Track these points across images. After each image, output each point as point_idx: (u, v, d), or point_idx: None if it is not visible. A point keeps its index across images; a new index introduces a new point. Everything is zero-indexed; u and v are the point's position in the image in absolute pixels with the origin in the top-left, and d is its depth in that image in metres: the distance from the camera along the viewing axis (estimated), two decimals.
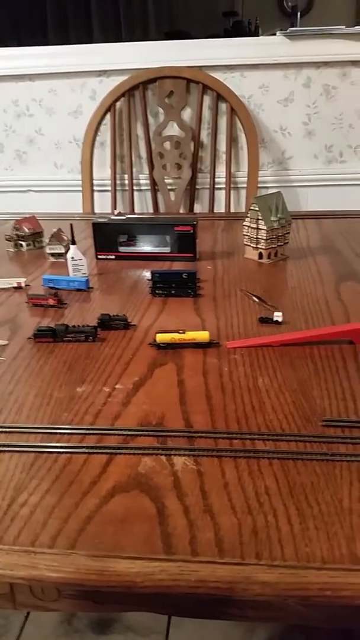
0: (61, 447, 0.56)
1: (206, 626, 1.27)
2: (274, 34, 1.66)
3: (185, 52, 1.69)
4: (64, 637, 1.26)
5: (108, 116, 1.73)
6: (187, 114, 1.75)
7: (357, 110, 1.70)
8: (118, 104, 1.73)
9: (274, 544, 0.43)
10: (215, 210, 1.76)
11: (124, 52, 1.72)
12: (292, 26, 1.79)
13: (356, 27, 1.59)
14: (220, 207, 1.76)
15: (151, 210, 1.83)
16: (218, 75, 1.67)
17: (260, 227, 1.07)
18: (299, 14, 3.69)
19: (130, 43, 1.73)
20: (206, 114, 1.73)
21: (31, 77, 1.76)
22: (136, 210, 1.83)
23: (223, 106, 1.70)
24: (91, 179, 1.75)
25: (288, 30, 1.61)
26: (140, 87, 1.70)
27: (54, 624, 1.29)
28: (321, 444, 0.55)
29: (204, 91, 1.68)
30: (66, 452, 0.55)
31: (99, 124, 1.73)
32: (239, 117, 1.68)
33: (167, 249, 1.13)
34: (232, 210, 1.76)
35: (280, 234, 1.10)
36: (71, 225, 1.03)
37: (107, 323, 0.83)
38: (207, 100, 1.71)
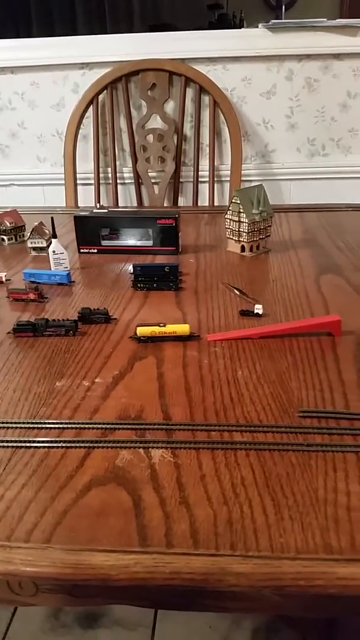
0: (39, 441, 0.56)
1: (193, 619, 1.27)
2: (257, 27, 1.65)
3: (167, 45, 1.68)
4: (51, 633, 1.26)
5: (91, 109, 1.71)
6: (170, 107, 1.74)
7: (340, 103, 1.70)
8: (101, 96, 1.72)
9: (248, 534, 0.43)
10: (199, 204, 1.76)
11: (107, 44, 1.71)
12: (277, 19, 1.79)
13: (338, 20, 1.59)
14: (204, 201, 1.76)
15: (135, 204, 1.82)
16: (201, 68, 1.66)
17: (242, 220, 1.07)
18: (283, 7, 3.69)
19: (113, 35, 1.72)
20: (189, 106, 1.72)
21: (13, 69, 1.74)
22: (120, 204, 1.82)
23: (206, 99, 1.69)
24: (74, 172, 1.74)
25: (270, 23, 1.61)
26: (122, 79, 1.69)
27: (41, 619, 1.29)
28: (297, 434, 0.55)
29: (187, 84, 1.68)
30: (44, 447, 0.55)
31: (82, 117, 1.72)
32: (221, 110, 1.68)
33: (149, 242, 1.13)
34: (216, 203, 1.76)
35: (262, 227, 1.10)
36: (52, 218, 1.02)
37: (88, 317, 0.82)
38: (189, 93, 1.70)
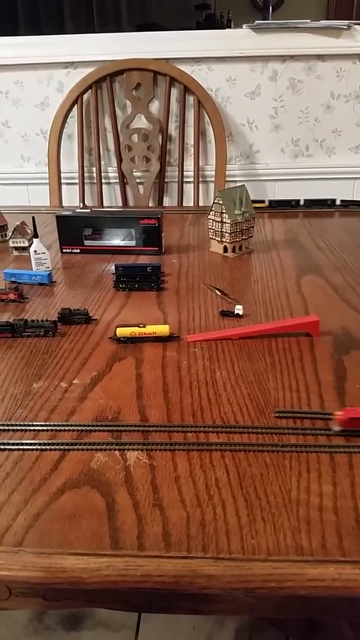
0: (13, 444, 0.55)
1: (176, 620, 1.27)
2: (242, 27, 1.65)
3: (152, 44, 1.67)
4: (34, 635, 1.25)
5: (75, 108, 1.70)
6: (154, 107, 1.73)
7: (323, 104, 1.71)
8: (85, 96, 1.71)
9: (220, 536, 0.43)
10: (184, 204, 1.75)
11: (91, 43, 1.70)
12: (264, 20, 1.80)
13: (322, 22, 1.60)
14: (189, 201, 1.76)
15: (120, 204, 1.81)
16: (185, 68, 1.66)
17: (224, 220, 1.07)
18: (270, 7, 3.70)
19: (98, 35, 1.71)
20: (174, 106, 1.72)
21: None
22: (105, 204, 1.81)
23: (190, 99, 1.69)
24: (59, 171, 1.73)
25: (254, 23, 1.61)
26: (107, 79, 1.68)
27: (24, 622, 1.28)
28: (273, 435, 0.55)
29: (171, 84, 1.67)
30: (18, 449, 0.55)
31: (66, 116, 1.71)
32: (206, 110, 1.68)
33: (132, 243, 1.12)
34: (201, 203, 1.76)
35: (244, 228, 1.10)
36: (33, 218, 1.02)
37: (68, 317, 0.82)
38: (174, 93, 1.70)
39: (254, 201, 1.35)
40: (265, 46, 1.63)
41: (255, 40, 1.63)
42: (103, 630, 1.26)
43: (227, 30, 1.91)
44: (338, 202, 1.43)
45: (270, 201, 1.43)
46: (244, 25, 1.63)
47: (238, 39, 1.64)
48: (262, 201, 1.43)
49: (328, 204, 1.43)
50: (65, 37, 1.72)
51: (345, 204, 1.43)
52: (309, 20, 1.59)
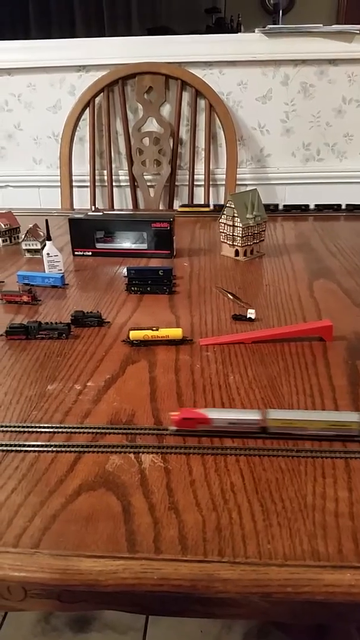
0: (29, 445, 0.56)
1: (184, 623, 1.27)
2: (254, 32, 1.66)
3: (164, 48, 1.68)
4: (42, 636, 1.26)
5: (87, 111, 1.71)
6: (166, 110, 1.74)
7: (335, 108, 1.71)
8: (97, 99, 1.72)
9: (237, 541, 0.44)
10: None
11: (104, 47, 1.71)
12: (274, 24, 1.80)
13: (334, 26, 1.60)
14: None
15: (131, 207, 1.82)
16: (197, 72, 1.67)
17: (236, 224, 1.08)
18: (280, 11, 3.70)
19: (110, 38, 1.72)
20: (185, 110, 1.72)
21: (10, 71, 1.74)
22: (116, 207, 1.82)
23: (202, 103, 1.70)
24: (70, 174, 1.74)
25: (266, 28, 1.61)
26: (119, 82, 1.69)
27: (32, 623, 1.28)
28: (287, 440, 0.55)
29: (183, 87, 1.68)
30: (34, 451, 0.55)
31: (78, 119, 1.72)
32: (217, 114, 1.68)
33: (144, 246, 1.13)
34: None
35: (256, 232, 1.10)
36: (46, 220, 1.02)
37: (81, 320, 0.82)
38: (186, 97, 1.71)
39: (200, 205, 1.43)
40: (277, 50, 1.63)
41: (267, 44, 1.63)
42: (110, 632, 1.26)
43: (239, 34, 1.92)
44: (343, 207, 1.44)
45: (214, 205, 1.46)
46: (256, 30, 1.64)
47: (250, 43, 1.64)
48: (207, 205, 1.46)
49: (302, 208, 1.44)
50: (77, 40, 1.73)
51: (350, 207, 1.43)
52: (321, 25, 1.59)
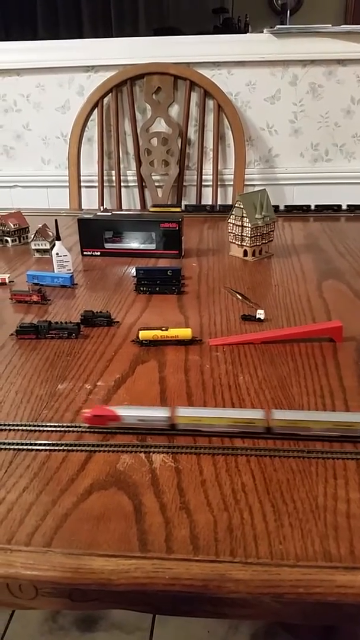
0: (40, 444, 0.56)
1: (190, 623, 1.27)
2: (262, 32, 1.66)
3: (173, 49, 1.68)
4: (48, 635, 1.26)
5: (95, 112, 1.72)
6: (174, 111, 1.74)
7: (343, 108, 1.70)
8: (106, 99, 1.72)
9: (248, 541, 0.44)
10: None
11: (112, 47, 1.71)
12: (282, 24, 1.80)
13: (343, 26, 1.59)
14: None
15: (139, 207, 1.82)
16: (205, 72, 1.67)
17: (244, 224, 1.07)
18: (288, 12, 3.69)
19: (119, 39, 1.72)
20: (193, 110, 1.73)
21: (19, 71, 1.74)
22: (124, 207, 1.82)
23: (210, 103, 1.70)
24: (78, 174, 1.74)
25: (275, 28, 1.61)
26: (127, 83, 1.69)
27: (39, 622, 1.29)
28: (298, 441, 0.55)
29: (192, 88, 1.68)
30: (45, 450, 0.55)
31: (87, 119, 1.72)
32: (226, 115, 1.68)
33: (152, 246, 1.13)
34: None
35: (264, 232, 1.10)
36: (56, 221, 1.03)
37: (90, 320, 0.83)
38: (194, 97, 1.71)
39: (170, 205, 1.46)
40: (286, 51, 1.63)
41: (276, 44, 1.63)
42: (117, 632, 1.27)
43: (248, 34, 1.92)
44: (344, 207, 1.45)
45: (186, 205, 1.48)
46: (265, 30, 1.63)
47: (258, 43, 1.64)
48: (178, 205, 1.48)
49: (304, 209, 1.44)
50: (86, 41, 1.73)
51: (352, 208, 1.43)
52: (330, 25, 1.59)
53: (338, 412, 0.59)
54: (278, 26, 1.62)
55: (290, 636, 1.23)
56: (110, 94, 1.71)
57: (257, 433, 0.56)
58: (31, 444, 0.56)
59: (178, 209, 1.43)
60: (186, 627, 1.27)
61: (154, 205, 1.47)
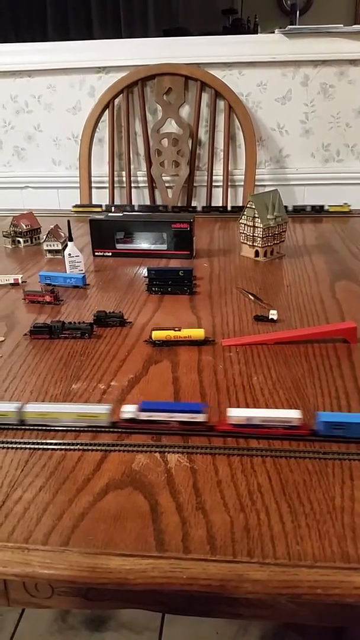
0: (56, 443, 0.56)
1: (199, 624, 1.27)
2: (273, 32, 1.65)
3: (184, 49, 1.68)
4: (58, 634, 1.26)
5: (106, 113, 1.72)
6: (185, 111, 1.74)
7: (355, 109, 1.70)
8: (116, 100, 1.73)
9: (265, 541, 0.43)
10: None
11: (123, 48, 1.72)
12: (291, 24, 1.79)
13: (354, 26, 1.59)
14: (217, 205, 1.76)
15: None
16: (216, 73, 1.67)
17: (256, 225, 1.07)
18: (297, 12, 3.69)
19: (130, 40, 1.73)
20: (204, 111, 1.73)
21: (30, 73, 1.75)
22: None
23: (221, 104, 1.70)
24: (89, 175, 1.75)
25: (286, 28, 1.61)
26: (138, 83, 1.69)
27: (48, 621, 1.29)
28: (314, 442, 0.55)
29: (202, 88, 1.68)
30: (61, 449, 0.55)
31: (98, 120, 1.73)
32: (236, 115, 1.68)
33: (163, 246, 1.13)
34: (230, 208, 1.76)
35: (276, 232, 1.10)
36: (68, 222, 1.03)
37: (103, 320, 0.83)
38: (205, 98, 1.71)
39: (92, 205, 1.50)
40: (297, 51, 1.63)
41: (287, 45, 1.63)
42: (126, 632, 1.27)
43: (259, 35, 1.92)
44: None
45: (106, 205, 1.50)
46: (276, 30, 1.63)
47: (269, 43, 1.64)
48: (100, 205, 1.51)
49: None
50: (97, 42, 1.74)
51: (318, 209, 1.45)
52: (341, 25, 1.58)
53: (85, 404, 0.61)
54: (289, 26, 1.62)
55: (299, 638, 1.23)
56: (121, 95, 1.71)
57: (102, 427, 0.58)
58: (47, 443, 0.56)
59: (99, 209, 1.47)
60: (195, 628, 1.27)
61: (76, 206, 1.52)
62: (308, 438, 0.55)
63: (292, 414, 0.55)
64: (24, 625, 1.29)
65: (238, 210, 1.44)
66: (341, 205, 1.42)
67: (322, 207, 1.43)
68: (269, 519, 0.46)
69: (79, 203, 1.60)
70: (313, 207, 1.43)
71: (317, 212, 1.43)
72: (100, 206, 1.49)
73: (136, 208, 1.47)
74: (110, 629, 1.27)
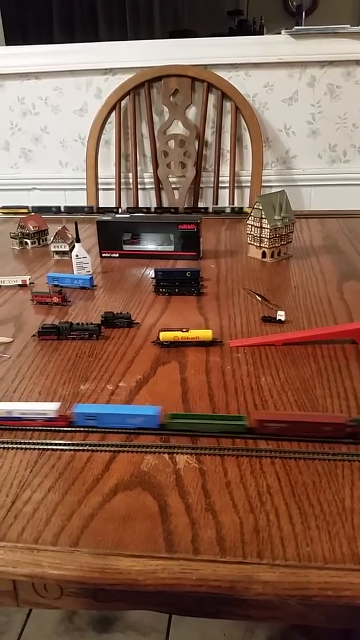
0: (64, 444, 0.56)
1: (206, 625, 1.27)
2: (279, 33, 1.65)
3: (190, 51, 1.68)
4: (65, 635, 1.26)
5: (113, 114, 1.73)
6: (191, 113, 1.74)
7: None
8: (123, 102, 1.73)
9: (275, 543, 0.43)
10: None
11: (130, 50, 1.72)
12: (297, 25, 1.79)
13: None
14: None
15: None
16: (223, 74, 1.67)
17: (263, 226, 1.07)
18: (303, 13, 3.68)
19: (136, 41, 1.73)
20: (211, 112, 1.73)
21: (37, 75, 1.76)
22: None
23: (228, 105, 1.70)
24: (96, 177, 1.75)
25: (293, 29, 1.61)
26: (145, 85, 1.70)
27: (55, 622, 1.29)
28: (323, 443, 0.55)
29: (209, 90, 1.68)
30: (69, 450, 0.55)
31: (104, 122, 1.73)
32: (243, 116, 1.68)
33: (170, 248, 1.13)
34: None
35: (283, 233, 1.10)
36: (76, 223, 1.03)
37: (111, 321, 0.83)
38: (211, 99, 1.71)
39: (18, 207, 1.51)
40: (304, 52, 1.62)
41: (294, 46, 1.62)
42: (133, 633, 1.27)
43: (266, 36, 1.92)
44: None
45: (32, 207, 1.51)
46: (283, 31, 1.63)
47: (276, 44, 1.64)
48: (26, 207, 1.52)
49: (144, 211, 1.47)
50: (104, 44, 1.74)
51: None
52: (348, 25, 1.58)
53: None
54: (296, 27, 1.62)
55: (306, 639, 1.22)
56: (127, 97, 1.72)
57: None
58: (55, 444, 0.56)
59: (25, 210, 1.49)
60: (202, 629, 1.26)
61: (2, 207, 1.54)
62: (65, 429, 0.58)
63: (50, 407, 0.58)
64: (31, 626, 1.29)
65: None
66: None
67: (241, 208, 1.47)
68: (279, 520, 0.46)
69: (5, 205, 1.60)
70: (232, 208, 1.48)
71: (237, 213, 1.47)
72: (27, 207, 1.51)
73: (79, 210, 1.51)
74: (117, 630, 1.27)
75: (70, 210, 1.50)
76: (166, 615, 1.29)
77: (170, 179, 1.77)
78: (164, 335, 0.76)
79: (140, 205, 1.81)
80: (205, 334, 0.76)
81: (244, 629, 1.27)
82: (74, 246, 1.03)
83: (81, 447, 0.56)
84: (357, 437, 0.55)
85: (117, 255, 1.15)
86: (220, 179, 1.74)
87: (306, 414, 0.60)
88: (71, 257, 1.04)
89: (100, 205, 1.76)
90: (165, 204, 1.81)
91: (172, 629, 1.27)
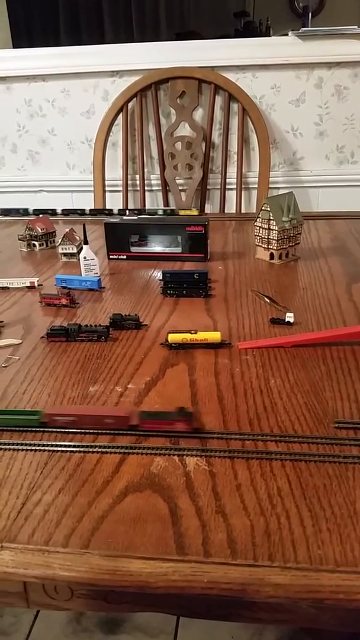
0: (74, 446, 0.56)
1: (215, 627, 1.27)
2: (286, 34, 1.65)
3: (197, 53, 1.69)
4: (72, 636, 1.27)
5: (120, 116, 1.73)
6: (198, 115, 1.75)
7: None
8: (130, 104, 1.73)
9: (286, 545, 0.43)
10: (226, 211, 1.76)
11: (137, 52, 1.72)
12: (304, 26, 1.79)
13: None
14: (231, 208, 1.76)
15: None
16: (230, 76, 1.67)
17: (271, 227, 1.07)
18: (310, 14, 3.68)
19: (143, 44, 1.73)
20: (218, 114, 1.73)
21: (44, 77, 1.77)
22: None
23: (235, 106, 1.70)
24: (103, 179, 1.76)
25: (300, 31, 1.61)
26: (152, 87, 1.70)
27: (63, 623, 1.29)
28: (333, 446, 0.54)
29: (216, 91, 1.68)
30: (79, 452, 0.56)
31: (111, 124, 1.73)
32: (250, 118, 1.68)
33: (178, 249, 1.13)
34: (243, 210, 1.76)
35: (291, 235, 1.10)
36: (84, 225, 1.04)
37: (119, 323, 0.83)
38: (218, 101, 1.71)
39: None
40: (311, 53, 1.62)
41: (301, 47, 1.62)
42: (141, 635, 1.27)
43: (273, 37, 1.92)
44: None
45: (2, 209, 1.54)
46: (290, 32, 1.63)
47: (283, 46, 1.64)
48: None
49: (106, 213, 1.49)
50: (111, 46, 1.74)
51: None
52: (356, 26, 1.58)
53: None
54: (303, 28, 1.62)
55: None
56: (134, 99, 1.72)
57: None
58: (65, 446, 0.56)
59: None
60: (210, 632, 1.26)
61: None
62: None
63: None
64: (39, 627, 1.29)
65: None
66: (190, 210, 1.47)
67: (172, 210, 1.48)
68: (290, 523, 0.45)
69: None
70: (165, 210, 1.48)
71: (168, 215, 1.48)
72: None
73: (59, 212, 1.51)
74: (125, 632, 1.27)
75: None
76: (174, 617, 1.29)
77: (177, 181, 1.77)
78: (173, 337, 0.76)
79: (147, 207, 1.82)
80: (214, 336, 0.76)
81: (252, 631, 1.26)
82: (81, 248, 1.03)
83: (91, 449, 0.56)
84: (138, 429, 0.58)
85: (125, 257, 1.15)
86: (228, 180, 1.74)
87: (92, 407, 0.63)
88: (79, 259, 1.04)
89: (107, 207, 1.77)
90: (172, 206, 1.81)
91: (180, 631, 1.27)
